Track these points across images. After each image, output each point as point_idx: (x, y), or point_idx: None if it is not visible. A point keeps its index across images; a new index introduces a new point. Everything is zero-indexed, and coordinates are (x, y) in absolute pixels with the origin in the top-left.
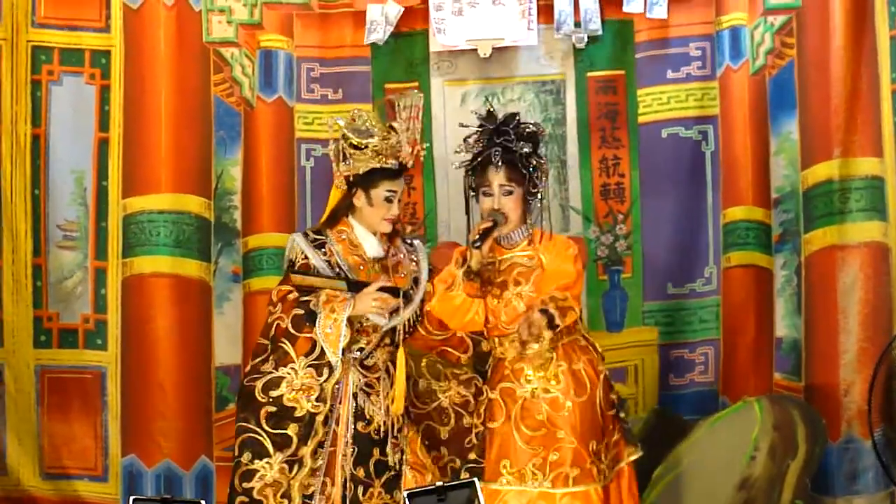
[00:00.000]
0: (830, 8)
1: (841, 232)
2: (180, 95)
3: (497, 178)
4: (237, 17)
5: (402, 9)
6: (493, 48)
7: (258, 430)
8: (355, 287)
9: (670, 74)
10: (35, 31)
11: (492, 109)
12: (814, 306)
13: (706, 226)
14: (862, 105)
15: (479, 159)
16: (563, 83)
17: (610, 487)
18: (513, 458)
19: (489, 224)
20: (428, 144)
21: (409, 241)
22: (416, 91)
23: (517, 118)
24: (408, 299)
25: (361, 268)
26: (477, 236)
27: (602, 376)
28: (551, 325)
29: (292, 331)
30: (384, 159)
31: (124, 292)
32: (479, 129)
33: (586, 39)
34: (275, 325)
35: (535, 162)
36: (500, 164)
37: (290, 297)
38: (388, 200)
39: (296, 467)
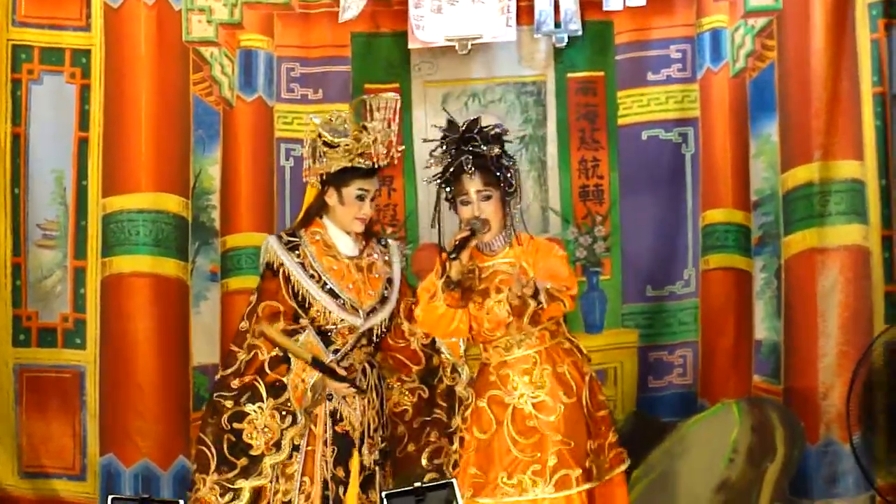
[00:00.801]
0: (811, 10)
1: (821, 235)
2: (160, 95)
3: (473, 184)
4: (217, 16)
5: None
6: (473, 46)
7: (209, 445)
8: (323, 369)
9: (650, 76)
10: (15, 30)
11: (451, 118)
12: (793, 309)
13: (685, 228)
14: (842, 108)
15: (452, 169)
16: (543, 84)
17: (605, 493)
18: (510, 469)
19: (466, 234)
20: (404, 147)
21: (383, 242)
22: (392, 93)
23: (479, 122)
24: (383, 300)
25: (335, 268)
26: (453, 247)
27: (587, 378)
28: (535, 296)
29: (267, 370)
30: (356, 158)
31: (103, 291)
32: (444, 140)
33: (566, 39)
34: (253, 353)
35: (506, 163)
36: (473, 170)
37: (275, 326)
38: (360, 199)
39: (229, 496)
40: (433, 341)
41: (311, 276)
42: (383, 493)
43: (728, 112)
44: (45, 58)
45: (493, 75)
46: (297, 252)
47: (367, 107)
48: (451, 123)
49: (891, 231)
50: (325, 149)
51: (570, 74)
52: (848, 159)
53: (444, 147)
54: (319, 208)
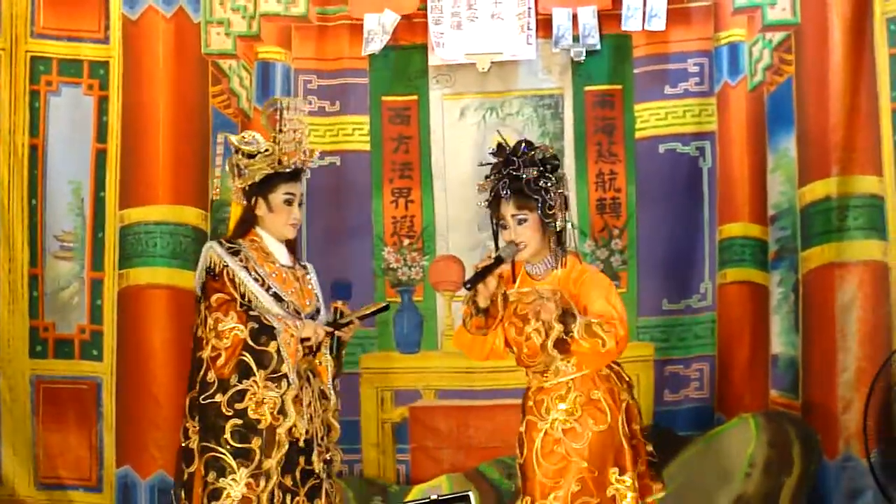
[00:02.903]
0: (829, 25)
1: (839, 250)
2: (178, 107)
3: (508, 209)
4: (235, 29)
5: (399, 17)
6: (492, 62)
7: (220, 448)
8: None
9: (668, 90)
10: (34, 42)
11: (503, 143)
12: (811, 324)
13: (702, 242)
14: (861, 123)
15: (493, 194)
16: (560, 97)
17: None
18: (538, 493)
19: (488, 262)
20: (318, 152)
21: (302, 263)
22: (297, 97)
23: (523, 145)
24: (318, 311)
25: (275, 274)
26: (472, 276)
27: (625, 405)
28: (566, 320)
29: (251, 343)
30: (277, 164)
31: (120, 303)
32: (492, 164)
33: (584, 54)
34: (232, 336)
35: (544, 185)
36: (508, 194)
37: (239, 307)
38: (288, 203)
39: (262, 481)
40: None
41: (256, 280)
42: None
43: (745, 126)
44: (63, 69)
45: (511, 88)
46: (238, 257)
47: (278, 110)
48: (500, 147)
49: None
50: (246, 161)
51: (587, 87)
52: (866, 174)
53: (492, 171)
54: (249, 221)
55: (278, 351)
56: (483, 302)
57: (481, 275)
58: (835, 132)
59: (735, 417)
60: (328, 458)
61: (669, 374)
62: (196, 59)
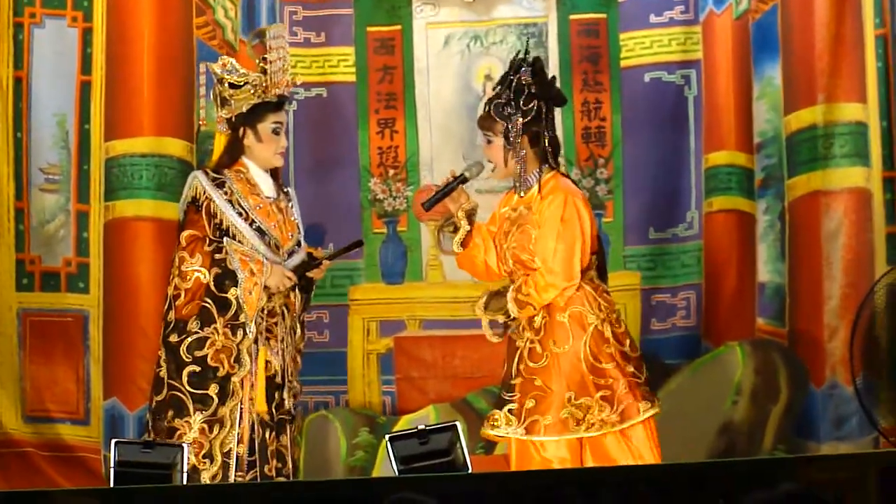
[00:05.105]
0: None
1: (825, 177)
2: (162, 38)
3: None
4: None
5: None
6: None
7: (182, 388)
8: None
9: (653, 18)
10: None
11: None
12: (797, 252)
13: (688, 170)
14: (846, 50)
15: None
16: (545, 26)
17: (622, 440)
18: (499, 405)
19: (448, 179)
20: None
21: (285, 189)
22: (279, 23)
23: (517, 64)
24: (299, 243)
25: (260, 207)
26: (431, 195)
27: (592, 328)
28: (490, 305)
29: (214, 290)
30: (264, 93)
31: (106, 236)
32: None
33: None
34: (194, 278)
35: (508, 112)
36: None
37: (206, 247)
38: (276, 133)
39: (216, 427)
40: None
41: (240, 214)
42: (387, 436)
43: (731, 54)
44: (46, 1)
45: (495, 17)
46: (223, 189)
47: (263, 39)
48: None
49: (892, 172)
50: (231, 91)
51: (572, 16)
52: (851, 101)
53: None
54: (237, 151)
55: (238, 299)
56: (458, 219)
57: (440, 193)
58: (820, 59)
59: (722, 346)
60: (295, 393)
61: (656, 303)
62: None
